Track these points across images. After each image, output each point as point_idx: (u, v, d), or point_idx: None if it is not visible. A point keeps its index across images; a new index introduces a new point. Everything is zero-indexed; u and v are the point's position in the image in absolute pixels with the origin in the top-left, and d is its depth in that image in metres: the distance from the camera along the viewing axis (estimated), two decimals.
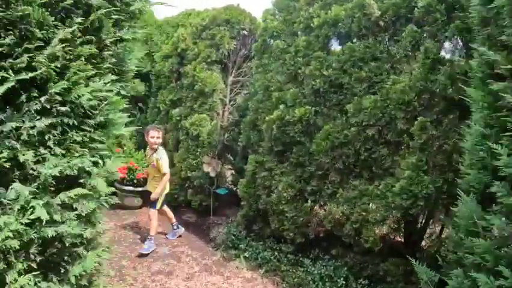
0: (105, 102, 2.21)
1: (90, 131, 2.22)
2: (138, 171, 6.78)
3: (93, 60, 2.24)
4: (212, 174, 5.67)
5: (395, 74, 4.15)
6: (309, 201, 4.57)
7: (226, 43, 6.17)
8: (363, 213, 4.15)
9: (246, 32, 6.71)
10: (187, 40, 6.40)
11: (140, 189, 6.70)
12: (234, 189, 6.67)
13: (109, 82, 2.19)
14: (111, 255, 5.11)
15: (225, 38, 6.16)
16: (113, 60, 2.30)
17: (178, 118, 6.47)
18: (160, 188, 5.30)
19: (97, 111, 2.20)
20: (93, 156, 2.25)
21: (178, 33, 6.61)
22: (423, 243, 4.62)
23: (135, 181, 6.74)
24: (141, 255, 5.17)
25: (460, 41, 3.89)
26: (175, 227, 5.87)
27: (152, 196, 5.34)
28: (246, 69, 6.85)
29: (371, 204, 4.19)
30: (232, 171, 7.04)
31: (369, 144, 4.11)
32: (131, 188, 6.64)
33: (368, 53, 4.20)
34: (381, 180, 4.16)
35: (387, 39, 4.27)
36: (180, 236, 5.90)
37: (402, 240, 4.68)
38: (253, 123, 5.19)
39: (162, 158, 5.27)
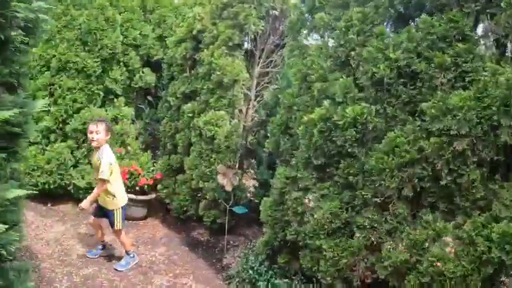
0: None
1: None
2: (141, 176, 5.79)
3: None
4: (228, 189, 4.45)
5: (491, 60, 2.87)
6: (358, 237, 3.26)
7: (252, 23, 4.94)
8: (438, 263, 2.86)
9: (276, 13, 5.52)
10: (205, 20, 5.21)
11: (142, 197, 5.79)
12: (256, 201, 5.50)
13: None
14: None
15: (250, 18, 4.94)
16: None
17: (190, 115, 5.29)
18: (92, 196, 4.26)
19: None
20: None
21: (194, 12, 5.44)
22: None
23: (137, 188, 5.74)
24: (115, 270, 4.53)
25: None
26: (100, 247, 4.85)
27: (81, 204, 4.31)
28: (276, 59, 5.65)
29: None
30: (256, 182, 5.84)
31: (455, 164, 2.77)
32: (133, 196, 5.58)
33: (453, 30, 2.89)
34: (467, 216, 2.84)
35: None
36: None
37: None
38: (284, 124, 3.89)
39: (102, 158, 4.18)
